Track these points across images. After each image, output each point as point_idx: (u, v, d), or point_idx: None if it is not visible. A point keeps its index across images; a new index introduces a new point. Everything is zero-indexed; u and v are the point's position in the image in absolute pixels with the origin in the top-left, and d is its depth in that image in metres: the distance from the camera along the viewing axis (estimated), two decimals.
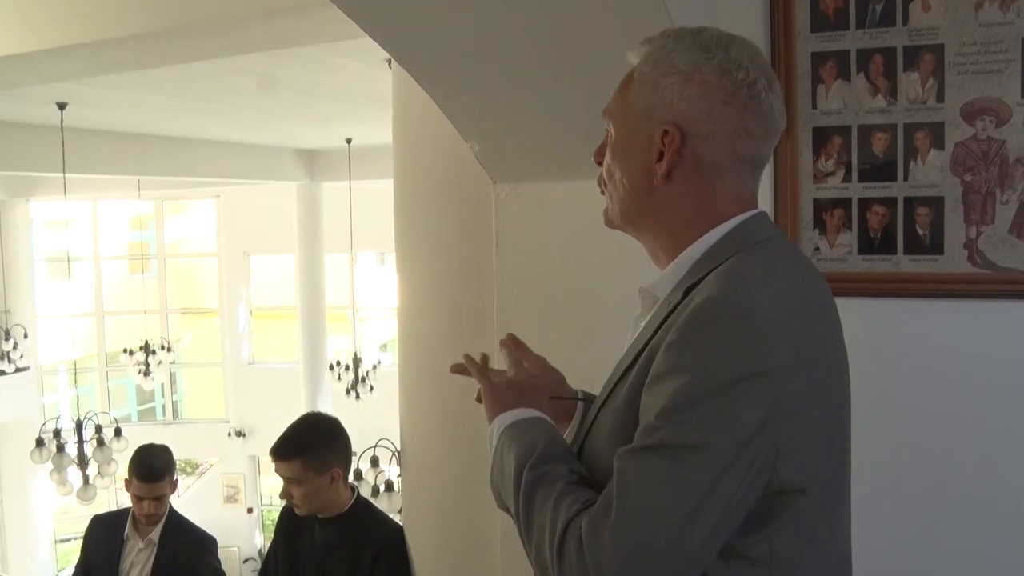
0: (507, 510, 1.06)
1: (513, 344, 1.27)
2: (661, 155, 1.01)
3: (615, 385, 1.01)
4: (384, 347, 12.90)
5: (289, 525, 2.57)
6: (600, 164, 1.11)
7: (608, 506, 0.88)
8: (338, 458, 2.45)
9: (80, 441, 6.31)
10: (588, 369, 1.26)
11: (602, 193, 1.11)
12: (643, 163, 1.03)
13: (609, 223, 1.11)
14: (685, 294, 0.97)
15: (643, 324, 1.06)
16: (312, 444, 2.41)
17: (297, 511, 2.46)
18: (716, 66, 0.99)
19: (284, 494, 2.43)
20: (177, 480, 3.21)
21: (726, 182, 1.02)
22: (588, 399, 1.23)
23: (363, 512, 2.51)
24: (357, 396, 9.16)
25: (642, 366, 0.95)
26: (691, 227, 1.02)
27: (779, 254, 1.02)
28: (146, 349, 9.55)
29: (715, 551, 0.89)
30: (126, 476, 3.11)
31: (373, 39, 1.60)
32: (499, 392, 1.13)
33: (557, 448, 1.02)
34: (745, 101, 0.99)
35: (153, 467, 3.05)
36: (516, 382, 1.17)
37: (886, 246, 1.71)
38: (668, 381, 0.89)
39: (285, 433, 2.45)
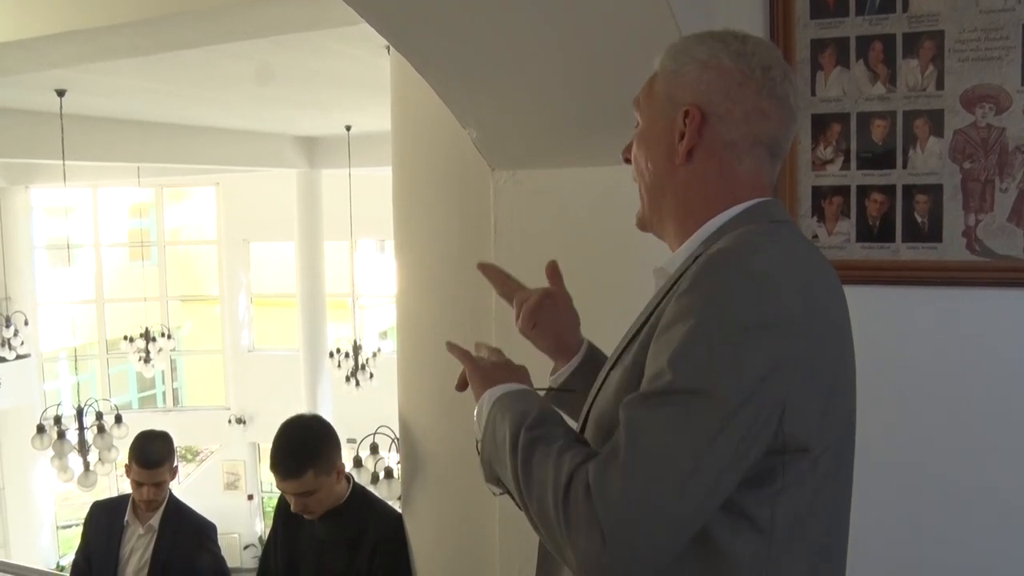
0: (496, 482, 1.06)
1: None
2: (683, 136, 1.05)
3: (625, 346, 1.03)
4: (384, 334, 12.91)
5: (287, 514, 2.55)
6: (628, 161, 1.15)
7: (615, 451, 0.88)
8: (337, 452, 2.43)
9: (81, 428, 6.34)
10: None
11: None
12: (666, 146, 1.07)
13: (640, 222, 1.15)
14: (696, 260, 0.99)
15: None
16: (315, 450, 2.36)
17: (309, 516, 2.40)
18: (732, 53, 1.05)
19: (298, 507, 2.35)
20: (177, 466, 3.21)
21: (744, 163, 1.05)
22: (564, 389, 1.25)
23: (360, 501, 2.50)
24: (357, 383, 9.20)
25: (651, 325, 0.97)
26: (709, 206, 1.05)
27: (791, 233, 1.04)
28: (146, 336, 9.57)
29: (720, 500, 0.89)
30: (126, 462, 3.12)
31: (369, 25, 1.59)
32: (486, 370, 1.14)
33: (552, 415, 1.03)
34: (760, 83, 1.04)
35: (153, 453, 3.06)
36: (501, 363, 1.17)
37: (885, 234, 1.70)
38: (676, 328, 0.91)
39: (285, 450, 2.34)
